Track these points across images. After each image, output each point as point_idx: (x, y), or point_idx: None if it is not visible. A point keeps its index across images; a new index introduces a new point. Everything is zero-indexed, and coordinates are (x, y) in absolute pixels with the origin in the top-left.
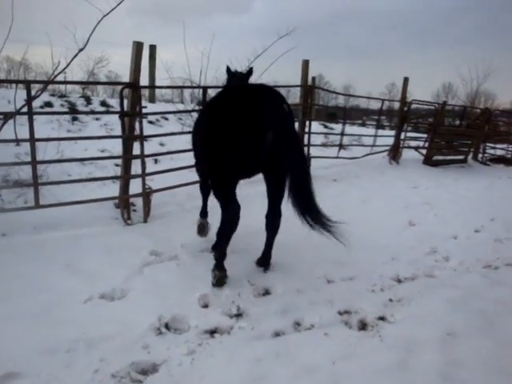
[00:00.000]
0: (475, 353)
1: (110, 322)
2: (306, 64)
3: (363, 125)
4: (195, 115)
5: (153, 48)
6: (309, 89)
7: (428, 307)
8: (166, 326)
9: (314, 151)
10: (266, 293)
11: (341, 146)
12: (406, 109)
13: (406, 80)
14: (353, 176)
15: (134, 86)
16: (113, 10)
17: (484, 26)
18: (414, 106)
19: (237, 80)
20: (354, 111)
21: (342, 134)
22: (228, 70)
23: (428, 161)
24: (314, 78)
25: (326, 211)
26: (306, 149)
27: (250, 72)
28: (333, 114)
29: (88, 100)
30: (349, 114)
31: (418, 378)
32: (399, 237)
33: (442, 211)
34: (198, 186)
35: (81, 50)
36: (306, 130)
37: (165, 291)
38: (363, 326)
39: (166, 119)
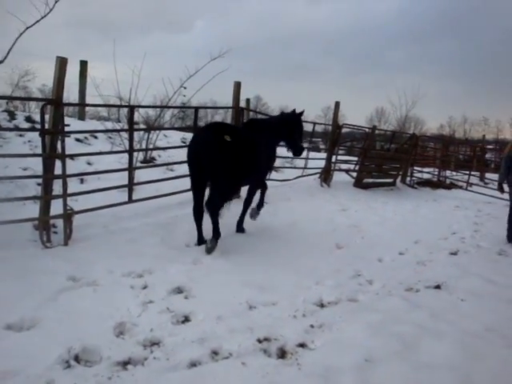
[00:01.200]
0: (391, 378)
1: (15, 356)
2: (237, 86)
3: None
4: (124, 134)
5: (83, 64)
6: (240, 110)
7: (348, 332)
8: (76, 358)
9: None
10: (186, 320)
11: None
12: (337, 132)
13: (337, 104)
14: (283, 198)
15: (56, 102)
16: (37, 22)
17: (415, 54)
18: (348, 129)
19: (278, 116)
20: None
21: None
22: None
23: (358, 183)
24: (248, 100)
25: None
26: None
27: (293, 111)
28: None
29: (12, 115)
30: None
31: None
32: (325, 260)
33: (369, 234)
34: (124, 206)
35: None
36: None
37: (79, 320)
38: (282, 353)
39: (96, 137)
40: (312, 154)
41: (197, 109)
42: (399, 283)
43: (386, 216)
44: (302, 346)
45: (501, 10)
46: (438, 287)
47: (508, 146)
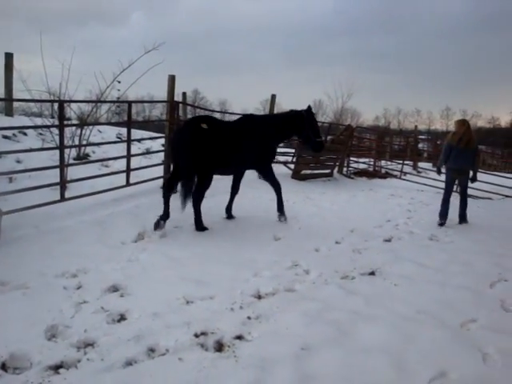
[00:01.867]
0: (327, 365)
1: None
2: (172, 79)
3: None
4: (55, 131)
5: (9, 57)
6: (174, 104)
7: (285, 322)
8: (3, 367)
9: None
10: (122, 318)
11: None
12: None
13: (273, 97)
14: (223, 192)
15: None
16: None
17: (352, 48)
18: None
19: (283, 113)
20: None
21: None
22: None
23: (296, 175)
24: (184, 94)
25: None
26: None
27: (308, 109)
28: None
29: None
30: None
31: None
32: (263, 252)
33: (307, 224)
34: (57, 205)
35: None
36: None
37: (6, 325)
38: (219, 347)
39: (25, 134)
40: None
41: (130, 103)
42: (335, 271)
43: (323, 206)
44: (239, 338)
45: (426, 9)
46: (372, 274)
47: (449, 135)
